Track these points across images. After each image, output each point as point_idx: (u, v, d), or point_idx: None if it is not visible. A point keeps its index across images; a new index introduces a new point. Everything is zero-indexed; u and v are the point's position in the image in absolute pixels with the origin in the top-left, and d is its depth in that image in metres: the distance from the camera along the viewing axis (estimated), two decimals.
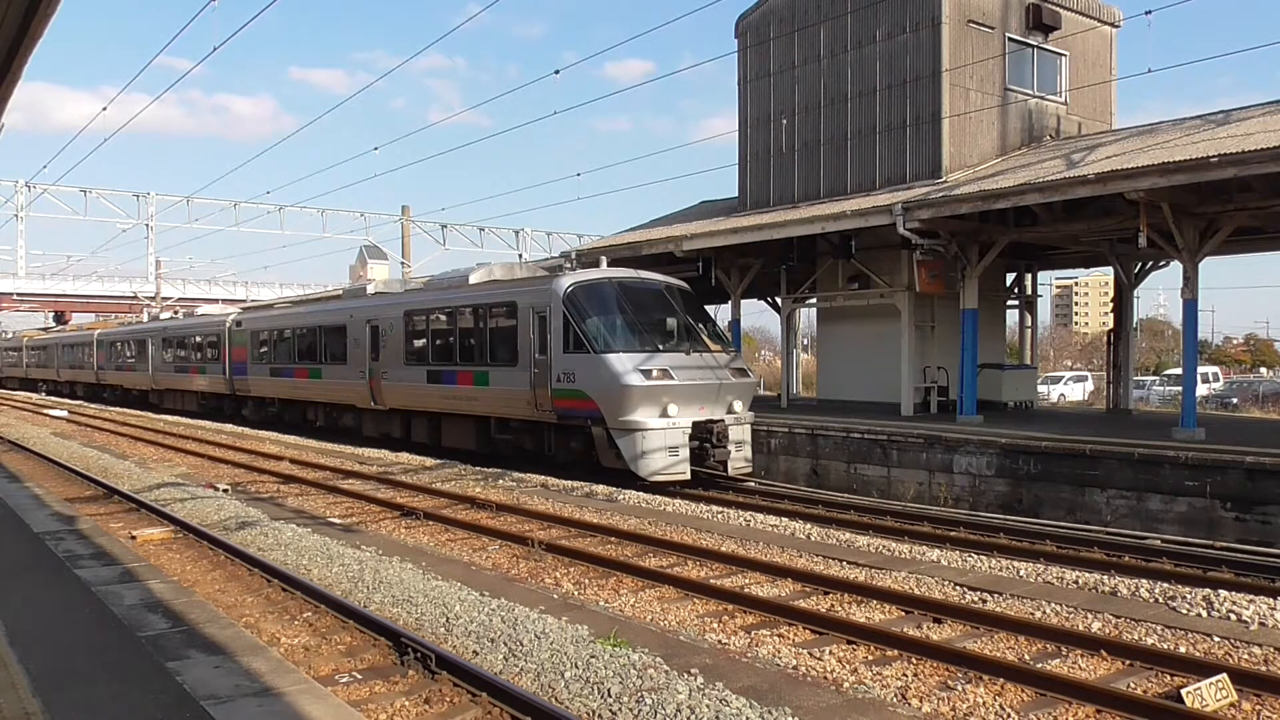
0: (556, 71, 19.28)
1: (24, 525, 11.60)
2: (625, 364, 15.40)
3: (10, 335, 73.36)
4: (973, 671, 6.85)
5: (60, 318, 69.45)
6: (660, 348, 16.16)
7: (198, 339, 33.60)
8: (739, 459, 16.27)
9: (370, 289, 24.57)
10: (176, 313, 45.09)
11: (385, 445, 21.88)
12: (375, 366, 22.23)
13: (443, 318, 20.33)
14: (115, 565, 9.33)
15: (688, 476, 15.55)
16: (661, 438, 15.30)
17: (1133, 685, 6.68)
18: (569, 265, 18.78)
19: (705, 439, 15.83)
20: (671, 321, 17.12)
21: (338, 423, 25.09)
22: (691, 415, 15.69)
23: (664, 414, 15.35)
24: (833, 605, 8.76)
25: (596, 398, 15.63)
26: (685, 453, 15.52)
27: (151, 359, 38.12)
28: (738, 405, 16.36)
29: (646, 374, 15.31)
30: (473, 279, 19.99)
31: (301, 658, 7.18)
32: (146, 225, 60.49)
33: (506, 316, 18.06)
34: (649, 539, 11.48)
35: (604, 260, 18.51)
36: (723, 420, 16.01)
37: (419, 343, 21.06)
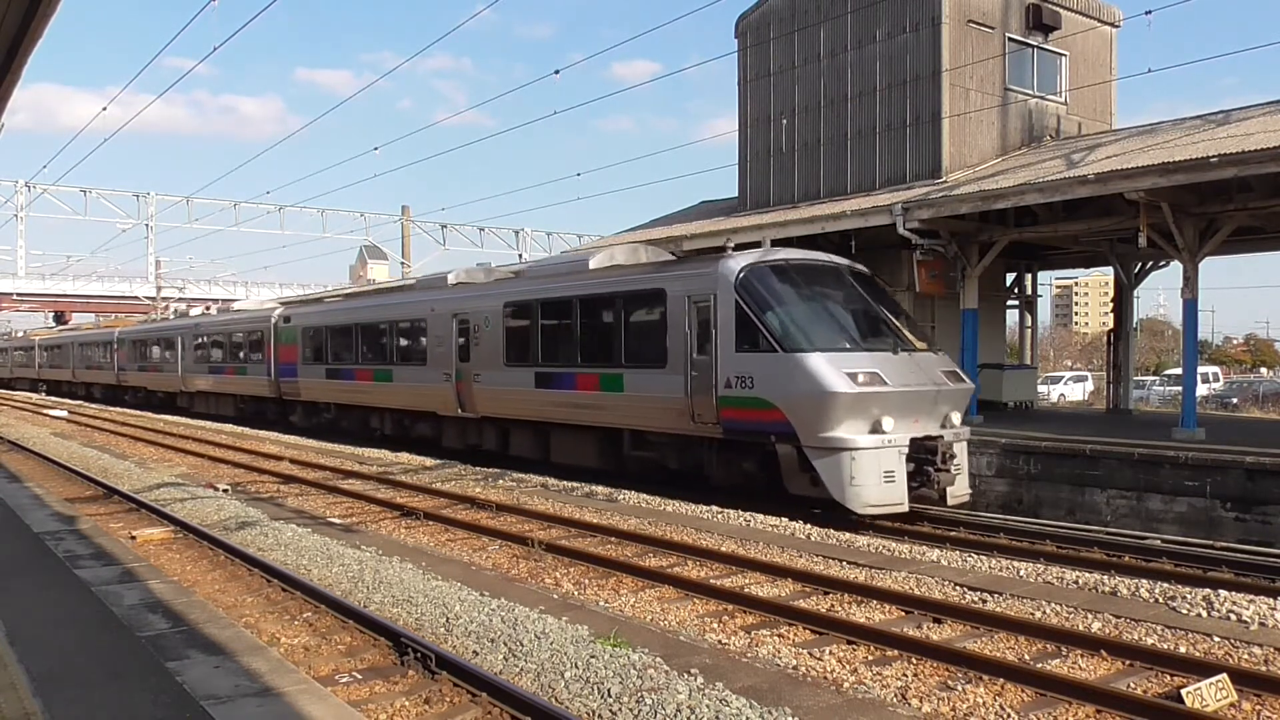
0: (556, 71, 19.24)
1: (24, 525, 11.61)
2: (827, 366, 12.47)
3: (21, 334, 72.19)
4: (973, 671, 6.85)
5: (60, 318, 69.46)
6: (863, 345, 13.31)
7: (237, 337, 30.51)
8: (960, 485, 13.25)
9: (451, 278, 21.26)
10: (208, 308, 42.86)
11: (470, 459, 19.29)
12: (465, 368, 19.21)
13: (558, 310, 17.16)
14: (115, 565, 9.34)
15: (906, 507, 12.62)
16: (874, 459, 12.33)
17: (1133, 685, 6.68)
18: (730, 247, 14.91)
19: (925, 460, 12.81)
20: (869, 312, 14.21)
21: (410, 432, 21.91)
22: (907, 430, 12.68)
23: (875, 429, 12.42)
24: (833, 605, 8.76)
25: (786, 408, 12.75)
26: (902, 478, 12.54)
27: (181, 359, 35.11)
28: (955, 417, 13.45)
29: (853, 378, 12.40)
30: (593, 263, 17.14)
31: (301, 658, 7.18)
32: (146, 225, 60.59)
33: (650, 308, 15.16)
34: (649, 539, 11.48)
35: (766, 239, 15.28)
36: (941, 436, 12.99)
37: (524, 340, 17.89)
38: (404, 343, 21.80)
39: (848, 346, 13.11)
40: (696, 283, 14.25)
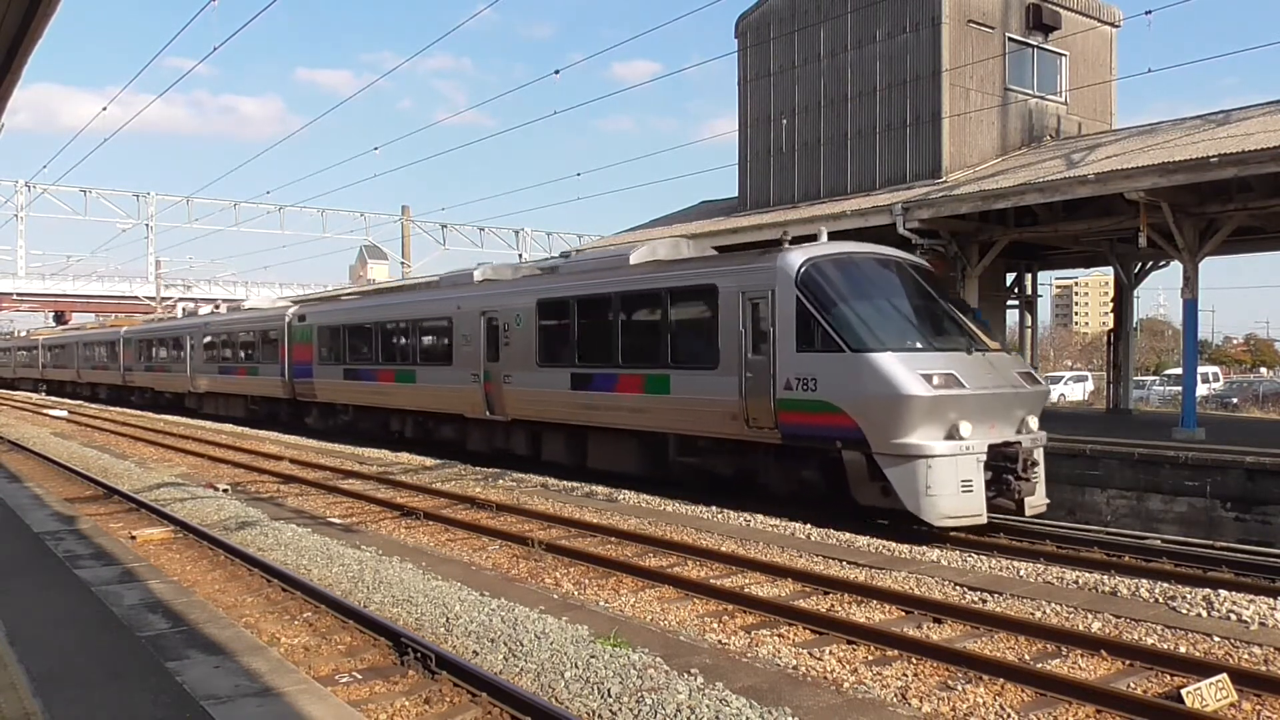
0: (556, 71, 19.29)
1: (24, 525, 11.61)
2: (900, 367, 11.66)
3: (25, 334, 71.69)
4: (973, 671, 6.85)
5: (60, 318, 69.45)
6: (935, 345, 12.50)
7: (249, 336, 29.73)
8: (1039, 495, 12.47)
9: (478, 275, 20.59)
10: (217, 307, 42.52)
11: (499, 463, 18.46)
12: (494, 369, 18.35)
13: (597, 308, 16.27)
14: (115, 565, 9.34)
15: (984, 519, 11.83)
16: (951, 467, 11.52)
17: (1133, 685, 6.68)
18: (786, 239, 14.04)
19: (1004, 468, 12.00)
20: (938, 310, 13.35)
21: (433, 435, 21.19)
22: (984, 436, 11.85)
23: (952, 435, 11.61)
24: (833, 605, 8.76)
25: (855, 412, 11.94)
26: (980, 487, 11.74)
27: (190, 359, 34.30)
28: (1032, 421, 12.63)
29: (928, 380, 11.58)
30: (634, 258, 16.38)
31: (301, 658, 7.18)
32: (146, 225, 60.67)
33: (700, 305, 14.40)
34: (649, 539, 11.48)
35: (824, 232, 14.16)
36: (1019, 442, 12.12)
37: (560, 339, 17.00)
38: (428, 342, 21.09)
39: (920, 346, 12.34)
40: (752, 278, 13.40)
